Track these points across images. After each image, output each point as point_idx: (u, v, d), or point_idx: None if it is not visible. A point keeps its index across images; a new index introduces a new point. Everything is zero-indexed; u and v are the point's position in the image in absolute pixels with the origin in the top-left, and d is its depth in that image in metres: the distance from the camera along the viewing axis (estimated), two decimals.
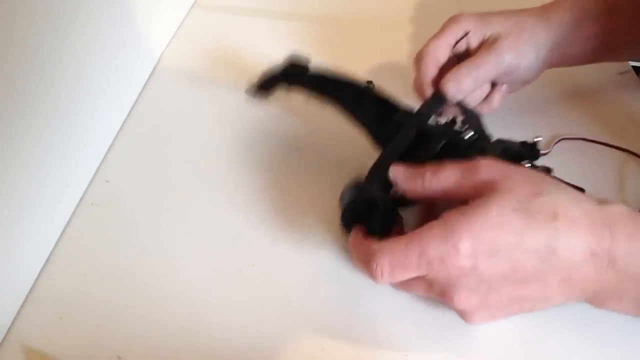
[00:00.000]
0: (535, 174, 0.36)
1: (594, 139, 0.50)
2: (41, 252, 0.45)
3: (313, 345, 0.39)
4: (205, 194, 0.50)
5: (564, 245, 0.32)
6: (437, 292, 0.35)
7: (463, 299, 0.34)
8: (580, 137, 0.50)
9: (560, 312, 0.40)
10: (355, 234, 0.39)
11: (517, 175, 0.34)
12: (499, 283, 0.33)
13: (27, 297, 0.43)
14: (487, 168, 0.35)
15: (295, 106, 0.58)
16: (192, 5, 0.74)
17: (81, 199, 0.50)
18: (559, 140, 0.50)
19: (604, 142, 0.50)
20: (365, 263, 0.36)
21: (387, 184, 0.39)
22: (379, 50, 0.63)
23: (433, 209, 0.43)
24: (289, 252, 0.45)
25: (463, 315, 0.35)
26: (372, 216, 0.38)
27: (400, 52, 0.62)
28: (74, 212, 0.49)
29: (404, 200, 0.39)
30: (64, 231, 0.47)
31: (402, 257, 0.34)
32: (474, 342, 0.39)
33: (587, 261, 0.32)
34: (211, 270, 0.44)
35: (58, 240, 0.47)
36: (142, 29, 0.61)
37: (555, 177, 0.40)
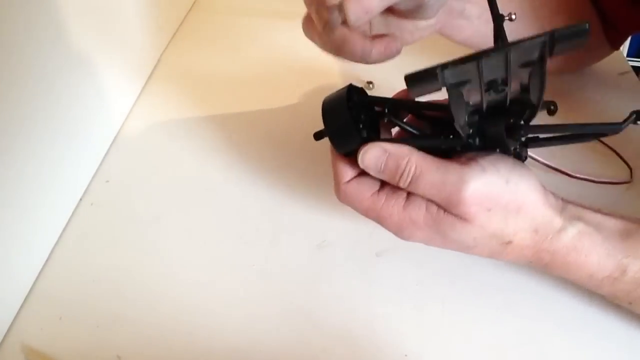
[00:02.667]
0: (514, 205, 0.34)
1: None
2: (41, 252, 0.45)
3: (313, 345, 0.39)
4: (205, 194, 0.50)
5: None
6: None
7: (405, 239, 0.37)
8: None
9: (560, 312, 0.40)
10: (331, 148, 0.38)
11: (494, 214, 0.34)
12: (442, 248, 0.37)
13: (27, 297, 0.43)
14: (472, 203, 0.33)
15: (295, 107, 0.58)
16: None
17: (81, 199, 0.50)
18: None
19: (606, 144, 0.50)
20: (334, 187, 0.37)
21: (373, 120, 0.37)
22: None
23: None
24: (289, 252, 0.45)
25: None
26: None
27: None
28: (74, 212, 0.49)
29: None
30: (64, 231, 0.47)
31: (361, 210, 0.37)
32: (474, 342, 0.39)
33: (530, 235, 0.34)
34: (211, 270, 0.44)
35: (58, 240, 0.47)
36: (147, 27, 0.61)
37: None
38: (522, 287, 0.41)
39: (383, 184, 0.36)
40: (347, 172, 0.37)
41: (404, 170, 0.34)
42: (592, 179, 0.47)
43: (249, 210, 0.49)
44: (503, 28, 0.33)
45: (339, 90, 0.37)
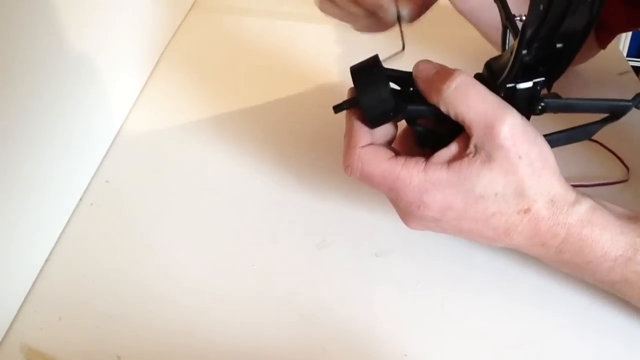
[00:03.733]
0: (540, 163, 0.34)
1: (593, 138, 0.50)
2: (41, 252, 0.45)
3: (313, 345, 0.39)
4: (204, 194, 0.50)
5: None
6: (394, 205, 0.37)
7: (414, 224, 0.37)
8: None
9: (560, 312, 0.40)
10: (350, 115, 0.37)
11: (523, 164, 0.33)
12: (452, 230, 0.36)
13: (27, 297, 0.43)
14: (507, 137, 0.33)
15: (295, 106, 0.58)
16: None
17: (81, 199, 0.50)
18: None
19: (601, 143, 0.50)
20: (344, 155, 0.36)
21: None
22: (380, 51, 0.62)
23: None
24: (289, 252, 0.45)
25: (406, 225, 0.38)
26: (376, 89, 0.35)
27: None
28: (74, 212, 0.49)
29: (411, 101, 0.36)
30: (64, 231, 0.47)
31: (375, 176, 0.35)
32: (474, 342, 0.39)
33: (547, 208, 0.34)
34: (211, 270, 0.44)
35: (58, 240, 0.47)
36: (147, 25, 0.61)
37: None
38: (522, 287, 0.41)
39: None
40: (365, 137, 0.36)
41: (454, 77, 0.33)
42: (585, 183, 0.47)
43: (249, 210, 0.49)
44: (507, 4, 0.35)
45: (367, 59, 0.37)
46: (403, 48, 0.36)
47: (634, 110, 0.36)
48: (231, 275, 0.44)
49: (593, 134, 0.38)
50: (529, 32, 0.31)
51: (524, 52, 0.33)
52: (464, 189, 0.34)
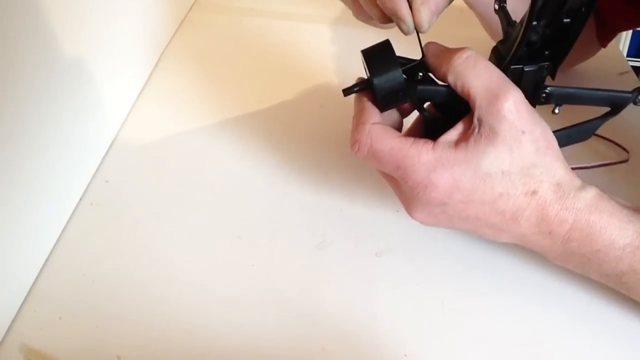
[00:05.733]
0: (544, 142, 0.35)
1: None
2: (41, 252, 0.45)
3: (313, 345, 0.39)
4: (204, 194, 0.50)
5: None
6: (398, 192, 0.38)
7: (419, 212, 0.37)
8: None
9: (560, 312, 0.40)
10: (360, 96, 0.38)
11: (527, 140, 0.34)
12: (458, 218, 0.36)
13: (27, 297, 0.43)
14: (511, 110, 0.33)
15: (295, 106, 0.58)
16: None
17: (81, 199, 0.50)
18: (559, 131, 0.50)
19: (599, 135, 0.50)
20: (353, 131, 0.36)
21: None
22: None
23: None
24: (289, 252, 0.45)
25: (410, 215, 0.38)
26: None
27: (400, 52, 0.62)
28: (74, 212, 0.49)
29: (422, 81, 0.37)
30: (64, 231, 0.47)
31: (383, 155, 0.35)
32: (473, 342, 0.39)
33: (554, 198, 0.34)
34: (211, 270, 0.44)
35: (58, 240, 0.47)
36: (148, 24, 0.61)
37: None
38: (522, 286, 0.41)
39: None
40: (376, 116, 0.36)
41: (464, 50, 0.34)
42: (585, 165, 0.46)
43: (249, 210, 0.49)
44: None
45: (379, 42, 0.37)
46: (423, 56, 0.37)
47: (631, 105, 0.36)
48: (231, 275, 0.44)
49: (593, 131, 0.39)
50: (539, 3, 0.32)
51: (534, 23, 0.33)
52: (471, 166, 0.34)
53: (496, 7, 0.38)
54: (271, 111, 0.58)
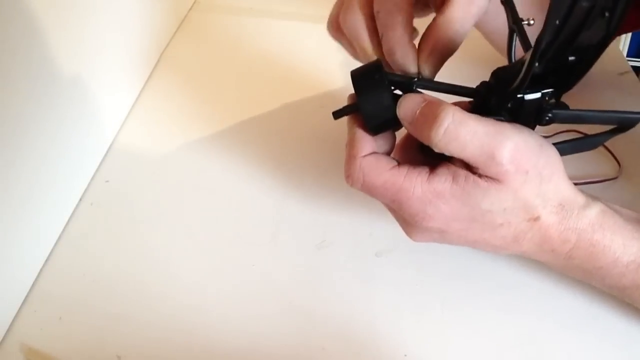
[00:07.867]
0: (548, 170, 0.33)
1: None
2: (41, 252, 0.45)
3: (313, 345, 0.39)
4: (204, 194, 0.50)
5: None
6: (396, 217, 0.37)
7: (417, 236, 0.36)
8: (581, 132, 0.50)
9: (561, 313, 0.40)
10: (352, 122, 0.36)
11: (531, 177, 0.32)
12: (458, 240, 0.35)
13: (27, 297, 0.43)
14: (511, 160, 0.31)
15: (295, 107, 0.58)
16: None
17: (81, 199, 0.50)
18: (557, 134, 0.49)
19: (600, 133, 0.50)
20: (345, 164, 0.35)
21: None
22: None
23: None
24: (289, 252, 0.45)
25: (409, 238, 0.37)
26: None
27: None
28: (74, 212, 0.49)
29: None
30: (63, 231, 0.47)
31: (377, 187, 0.34)
32: (473, 342, 0.39)
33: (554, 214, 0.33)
34: (211, 270, 0.44)
35: (58, 240, 0.47)
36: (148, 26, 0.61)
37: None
38: (522, 287, 0.41)
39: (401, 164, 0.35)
40: (366, 146, 0.34)
41: (440, 120, 0.31)
42: (575, 181, 0.46)
43: (249, 210, 0.49)
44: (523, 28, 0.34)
45: (369, 63, 0.36)
46: (418, 74, 0.36)
47: None
48: (231, 275, 0.44)
49: (599, 145, 0.37)
50: (542, 45, 0.30)
51: (536, 64, 0.31)
52: (469, 203, 0.33)
53: None
54: (271, 111, 0.58)
